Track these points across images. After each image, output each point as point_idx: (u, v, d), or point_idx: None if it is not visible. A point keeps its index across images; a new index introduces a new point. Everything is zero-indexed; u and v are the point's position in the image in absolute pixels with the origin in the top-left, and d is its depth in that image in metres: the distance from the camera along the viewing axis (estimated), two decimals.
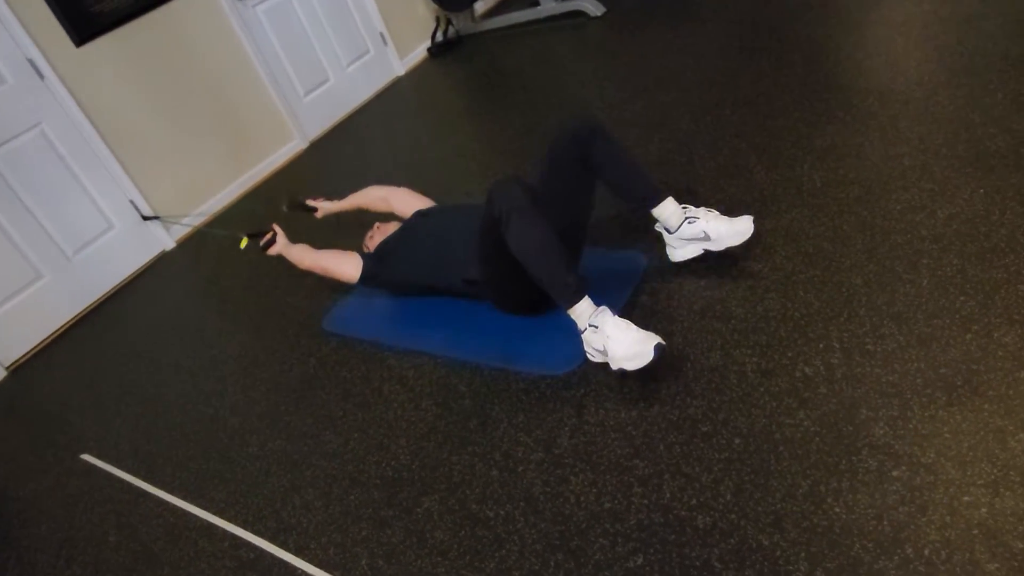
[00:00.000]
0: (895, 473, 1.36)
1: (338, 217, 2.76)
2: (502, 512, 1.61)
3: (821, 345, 1.68)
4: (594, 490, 1.57)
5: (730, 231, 1.92)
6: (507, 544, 1.54)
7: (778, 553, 1.31)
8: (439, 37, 5.17)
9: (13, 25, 3.30)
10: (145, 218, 3.77)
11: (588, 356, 1.84)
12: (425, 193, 2.59)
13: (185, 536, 1.93)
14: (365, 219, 2.72)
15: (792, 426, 1.52)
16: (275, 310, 2.81)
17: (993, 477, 1.29)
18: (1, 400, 3.10)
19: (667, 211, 1.96)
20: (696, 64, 3.31)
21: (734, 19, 3.61)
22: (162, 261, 3.81)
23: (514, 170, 3.08)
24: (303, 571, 1.68)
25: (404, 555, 1.61)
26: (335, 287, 2.66)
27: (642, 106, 3.13)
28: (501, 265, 1.85)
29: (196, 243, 3.86)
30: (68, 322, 3.50)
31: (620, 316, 1.76)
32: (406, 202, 2.49)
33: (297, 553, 1.73)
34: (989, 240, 1.77)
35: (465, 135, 3.70)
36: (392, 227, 2.46)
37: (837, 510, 1.34)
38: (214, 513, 1.97)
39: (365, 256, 2.38)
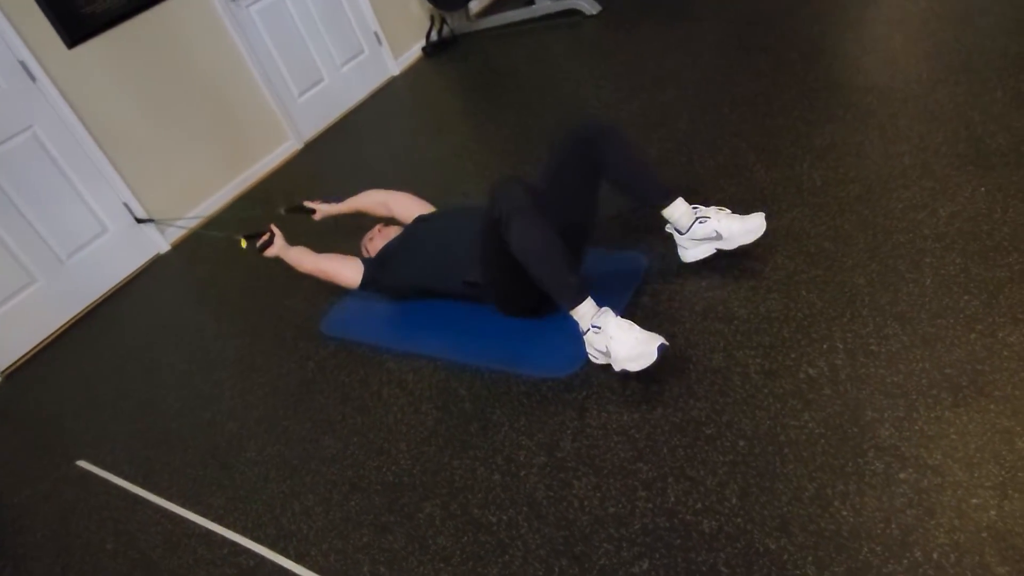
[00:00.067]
0: (902, 475, 1.35)
1: (336, 220, 2.74)
2: (505, 517, 1.59)
3: (825, 346, 1.67)
4: (598, 494, 1.55)
5: (742, 229, 1.90)
6: (510, 550, 1.52)
7: (785, 557, 1.30)
8: (434, 36, 5.15)
9: (4, 27, 3.27)
10: (139, 220, 3.74)
11: (591, 358, 1.83)
12: (422, 194, 2.57)
13: (184, 543, 1.91)
14: (364, 222, 2.70)
15: (797, 428, 1.51)
16: (272, 313, 2.78)
17: (1001, 479, 1.28)
18: None
19: (678, 212, 1.95)
20: (693, 63, 3.30)
21: (731, 17, 3.60)
22: (157, 264, 3.78)
23: (511, 170, 3.06)
24: None
25: (406, 561, 1.59)
26: (333, 289, 2.64)
27: (640, 105, 3.12)
28: (502, 266, 1.84)
29: (191, 246, 3.83)
30: (62, 326, 3.47)
31: (622, 317, 1.75)
32: (407, 207, 2.47)
33: (298, 560, 1.71)
34: (992, 239, 1.76)
35: (461, 135, 3.68)
36: (393, 231, 2.44)
37: (844, 513, 1.33)
38: (213, 520, 1.95)
39: (366, 261, 2.36)
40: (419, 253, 2.21)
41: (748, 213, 1.95)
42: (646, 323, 1.86)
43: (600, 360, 1.79)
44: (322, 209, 2.64)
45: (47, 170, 3.43)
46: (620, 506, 1.51)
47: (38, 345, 3.39)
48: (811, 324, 1.74)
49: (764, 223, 1.90)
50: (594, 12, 4.43)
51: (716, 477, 1.48)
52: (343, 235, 2.95)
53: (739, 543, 1.35)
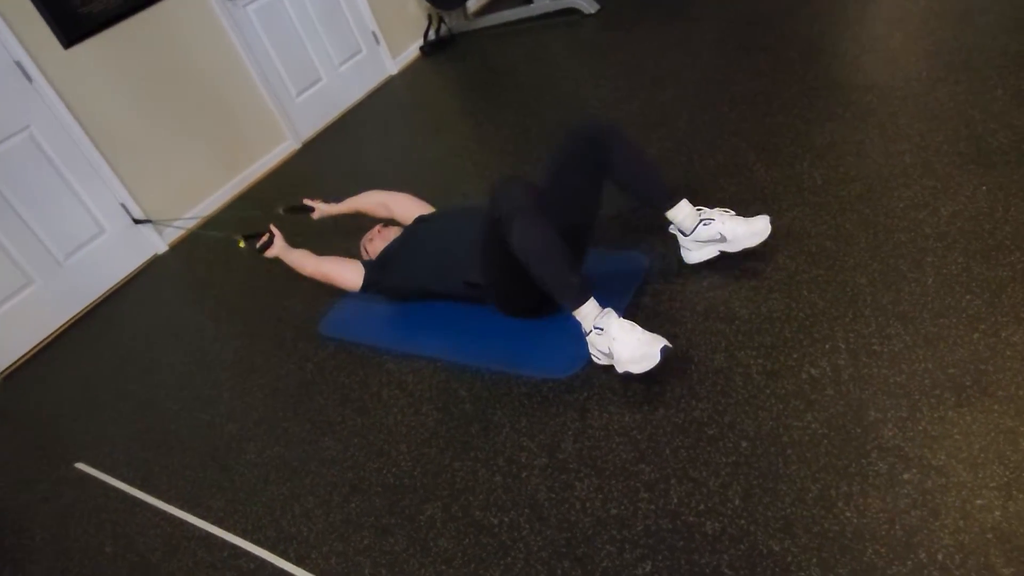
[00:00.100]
0: (906, 476, 1.34)
1: (335, 220, 2.73)
2: (506, 519, 1.59)
3: (827, 346, 1.66)
4: (600, 496, 1.55)
5: (747, 232, 1.90)
6: (512, 552, 1.51)
7: (789, 559, 1.29)
8: (431, 36, 5.13)
9: (0, 27, 3.25)
10: (136, 221, 3.73)
11: (593, 359, 1.82)
12: (421, 194, 2.56)
13: (183, 546, 1.90)
14: (363, 222, 2.69)
15: (800, 428, 1.51)
16: (270, 314, 2.77)
17: (1005, 480, 1.27)
18: None
19: (682, 213, 1.94)
20: (692, 62, 3.29)
21: (730, 16, 3.59)
22: (155, 265, 3.77)
23: (510, 169, 3.05)
24: None
25: (408, 564, 1.59)
26: (331, 290, 2.63)
27: (638, 105, 3.11)
28: (503, 267, 1.83)
29: (189, 246, 3.82)
30: (60, 328, 3.46)
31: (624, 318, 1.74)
32: (406, 207, 2.46)
33: (298, 563, 1.70)
34: (994, 237, 1.75)
35: (459, 134, 3.67)
36: (393, 232, 2.42)
37: (848, 514, 1.32)
38: (212, 522, 1.94)
39: (366, 263, 2.35)
40: (419, 254, 2.20)
41: (750, 213, 1.94)
42: (647, 323, 1.86)
43: (603, 361, 1.79)
44: (321, 208, 2.63)
45: (44, 171, 3.41)
46: (622, 508, 1.50)
47: (36, 347, 3.38)
48: (813, 324, 1.73)
49: (769, 226, 1.89)
50: (592, 11, 4.42)
51: (719, 478, 1.48)
52: (343, 235, 2.94)
53: (743, 545, 1.34)
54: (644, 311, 1.97)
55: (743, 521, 1.38)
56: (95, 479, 2.31)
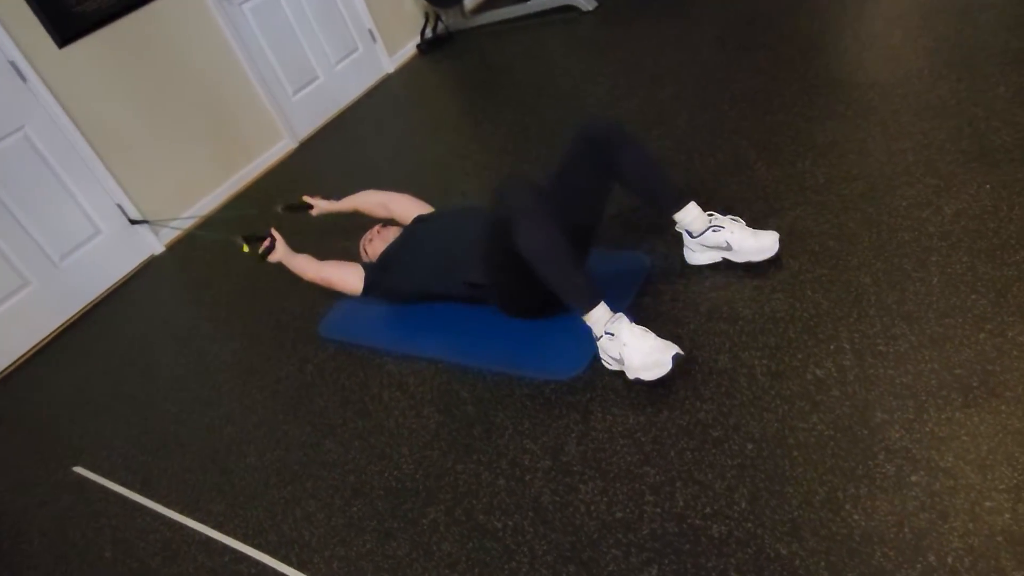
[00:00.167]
0: (914, 478, 1.33)
1: (335, 218, 2.71)
2: (510, 523, 1.57)
3: (832, 346, 1.65)
4: (604, 499, 1.53)
5: (754, 247, 1.89)
6: (517, 556, 1.50)
7: (797, 563, 1.28)
8: (428, 34, 5.11)
9: None
10: (133, 222, 3.70)
11: (604, 363, 1.80)
12: (421, 193, 2.54)
13: (183, 551, 1.88)
14: (363, 222, 2.67)
15: (806, 430, 1.50)
16: (269, 315, 2.75)
17: (1015, 482, 1.26)
18: None
19: (690, 216, 1.93)
20: (691, 59, 3.28)
21: (728, 13, 3.57)
22: (151, 266, 3.75)
23: (509, 169, 3.04)
24: None
25: (411, 568, 1.57)
26: (331, 291, 2.61)
27: (638, 103, 3.09)
28: (507, 266, 1.81)
29: (186, 247, 3.79)
30: (56, 330, 3.43)
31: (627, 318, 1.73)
32: (406, 207, 2.44)
33: (300, 568, 1.69)
34: (998, 236, 1.74)
35: (457, 133, 3.65)
36: (392, 233, 2.41)
37: (856, 517, 1.31)
38: (212, 527, 1.92)
39: (366, 266, 2.33)
40: (420, 255, 2.19)
41: (753, 213, 1.93)
42: (650, 324, 1.85)
43: (614, 366, 1.77)
44: (320, 205, 2.61)
45: (39, 171, 3.38)
46: (627, 511, 1.49)
47: (32, 349, 3.36)
48: (817, 324, 1.72)
49: (777, 244, 1.88)
50: (590, 8, 4.40)
51: (725, 481, 1.47)
52: (341, 234, 2.93)
53: (749, 548, 1.33)
54: (646, 311, 1.96)
55: (750, 524, 1.37)
56: (93, 483, 2.30)
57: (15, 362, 3.30)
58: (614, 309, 1.73)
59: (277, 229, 2.44)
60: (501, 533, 1.56)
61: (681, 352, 1.63)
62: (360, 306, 2.49)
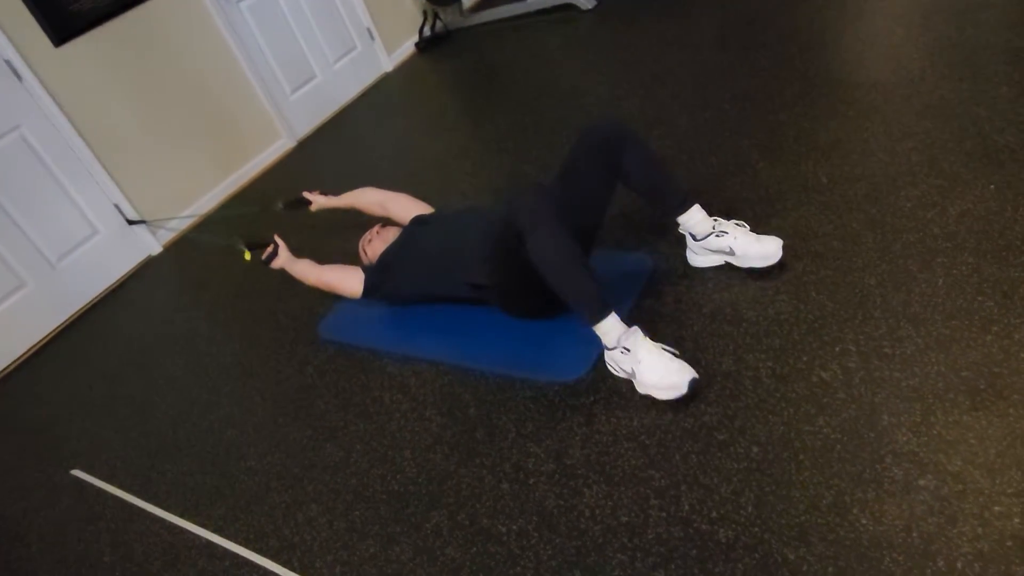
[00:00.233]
0: (921, 482, 1.32)
1: (334, 215, 2.69)
2: (515, 527, 1.56)
3: (837, 348, 1.64)
4: (609, 503, 1.52)
5: (758, 253, 1.88)
6: (521, 561, 1.49)
7: (805, 568, 1.27)
8: (427, 32, 5.09)
9: None
10: (130, 222, 3.68)
11: (610, 369, 1.79)
12: (419, 193, 2.53)
13: (183, 555, 1.87)
14: (362, 220, 2.66)
15: (812, 433, 1.49)
16: (268, 317, 2.74)
17: None
18: None
19: (694, 219, 1.92)
20: (691, 58, 3.26)
21: (728, 11, 3.56)
22: (149, 266, 3.72)
23: (508, 168, 3.02)
24: None
25: (414, 573, 1.56)
26: (331, 293, 2.59)
27: (638, 103, 3.08)
28: (513, 269, 1.80)
29: (183, 247, 3.77)
30: (53, 331, 3.41)
31: (628, 323, 1.71)
32: (405, 207, 2.42)
33: (302, 572, 1.68)
34: (1004, 237, 1.73)
35: (456, 132, 3.63)
36: (392, 233, 2.39)
37: (864, 521, 1.30)
38: (213, 531, 1.90)
39: (366, 268, 2.31)
40: (421, 256, 2.17)
41: (756, 213, 1.92)
42: (652, 326, 1.85)
43: (621, 375, 1.76)
44: (318, 201, 2.60)
45: (35, 171, 3.36)
46: (633, 515, 1.48)
47: (29, 351, 3.33)
48: (822, 326, 1.71)
49: (780, 250, 1.87)
50: (590, 7, 4.38)
51: (731, 485, 1.46)
52: (340, 233, 2.91)
53: (757, 553, 1.32)
54: (648, 313, 1.95)
55: (757, 529, 1.36)
56: (92, 486, 2.28)
57: (11, 364, 3.28)
58: (616, 311, 1.72)
59: (276, 228, 2.42)
60: (505, 538, 1.55)
61: (697, 376, 1.62)
62: (360, 307, 2.47)
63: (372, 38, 4.85)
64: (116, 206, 3.63)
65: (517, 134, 3.29)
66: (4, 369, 3.25)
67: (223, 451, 2.16)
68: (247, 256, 2.38)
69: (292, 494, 1.90)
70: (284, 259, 2.38)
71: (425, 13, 5.10)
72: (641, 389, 1.68)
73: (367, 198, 2.55)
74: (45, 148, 3.38)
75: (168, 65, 3.83)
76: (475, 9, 5.26)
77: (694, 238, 1.95)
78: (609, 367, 1.78)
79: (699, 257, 2.00)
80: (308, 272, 2.38)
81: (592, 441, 1.67)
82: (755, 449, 1.50)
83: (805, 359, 1.65)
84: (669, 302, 1.96)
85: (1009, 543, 1.19)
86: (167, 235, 3.85)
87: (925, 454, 1.36)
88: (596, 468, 1.61)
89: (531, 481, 1.65)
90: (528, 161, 3.02)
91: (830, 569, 1.25)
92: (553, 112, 3.35)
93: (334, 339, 2.42)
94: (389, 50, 4.96)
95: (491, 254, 1.88)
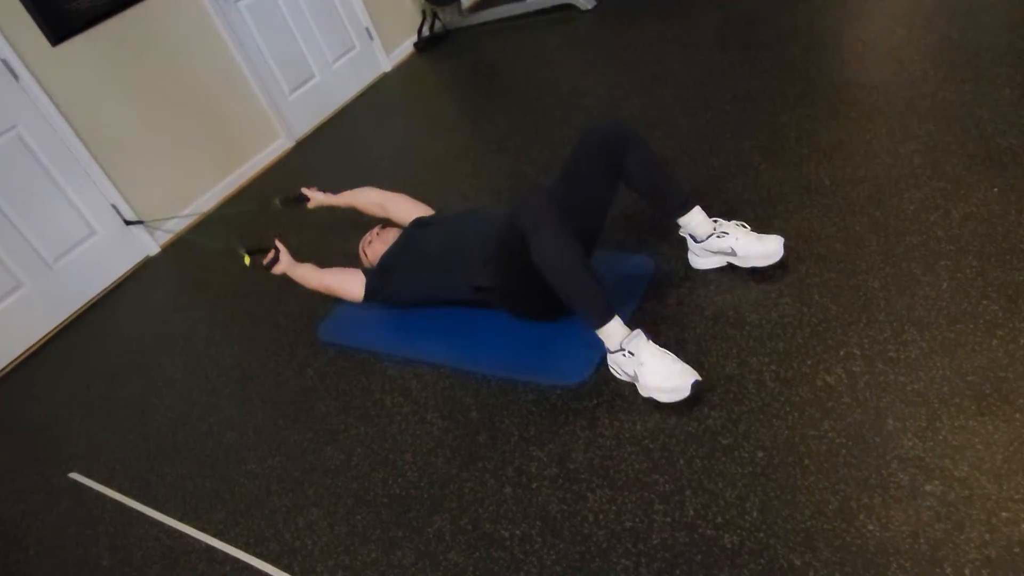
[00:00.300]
0: (928, 488, 1.32)
1: (332, 214, 2.67)
2: (518, 532, 1.55)
3: (841, 352, 1.63)
4: (613, 508, 1.51)
5: (759, 252, 1.87)
6: (525, 566, 1.48)
7: (811, 574, 1.26)
8: (425, 32, 5.07)
9: None
10: (128, 223, 3.66)
11: (613, 373, 1.78)
12: (419, 193, 2.51)
13: (183, 560, 1.86)
14: (361, 220, 2.64)
15: (817, 438, 1.48)
16: (267, 318, 2.72)
17: None
18: None
19: (695, 221, 1.91)
20: (692, 58, 3.26)
21: (729, 11, 3.56)
22: (147, 267, 3.70)
23: (508, 168, 3.01)
24: None
25: None
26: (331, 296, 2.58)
27: (638, 103, 3.07)
28: (519, 274, 1.78)
29: (182, 248, 3.75)
30: (50, 332, 3.39)
31: (631, 326, 1.70)
32: (405, 209, 2.41)
33: None
34: (1008, 241, 1.73)
35: (455, 132, 3.62)
36: (392, 234, 2.38)
37: (870, 527, 1.29)
38: (213, 535, 1.89)
39: (367, 272, 2.30)
40: (422, 259, 2.16)
41: (758, 215, 1.91)
42: (654, 329, 1.84)
43: (624, 378, 1.75)
44: (316, 198, 2.58)
45: (32, 171, 3.34)
46: (637, 520, 1.47)
47: (26, 352, 3.31)
48: (826, 329, 1.70)
49: (782, 249, 1.86)
50: (589, 7, 4.37)
51: (735, 489, 1.45)
52: (338, 233, 2.90)
53: (762, 559, 1.32)
54: (650, 315, 1.94)
55: (762, 534, 1.35)
56: (90, 489, 2.26)
57: (8, 365, 3.25)
58: (619, 313, 1.71)
59: (275, 227, 2.41)
60: (508, 542, 1.54)
61: (700, 379, 1.61)
62: (360, 309, 2.45)
63: (371, 38, 4.83)
64: (114, 206, 3.61)
65: (517, 134, 3.27)
66: (1, 370, 3.23)
67: (223, 454, 2.15)
68: (247, 261, 2.37)
69: (293, 498, 1.89)
70: (285, 264, 2.36)
71: (424, 13, 5.08)
72: (644, 392, 1.68)
73: (366, 198, 2.54)
74: (42, 148, 3.36)
75: (166, 65, 3.81)
76: (474, 9, 5.24)
77: (695, 240, 1.95)
78: (612, 370, 1.77)
79: (701, 259, 1.99)
80: (310, 276, 2.37)
81: (595, 445, 1.66)
82: (760, 454, 1.49)
83: (809, 363, 1.64)
84: (671, 304, 1.96)
85: (1017, 549, 1.18)
86: (165, 236, 3.83)
87: (931, 459, 1.36)
88: (600, 472, 1.60)
89: (534, 485, 1.64)
90: (528, 161, 3.00)
91: (836, 575, 1.25)
92: (553, 112, 3.34)
93: (334, 341, 2.40)
94: (388, 50, 4.94)
95: (493, 255, 1.87)
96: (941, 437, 1.39)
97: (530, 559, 1.49)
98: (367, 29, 4.79)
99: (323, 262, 2.46)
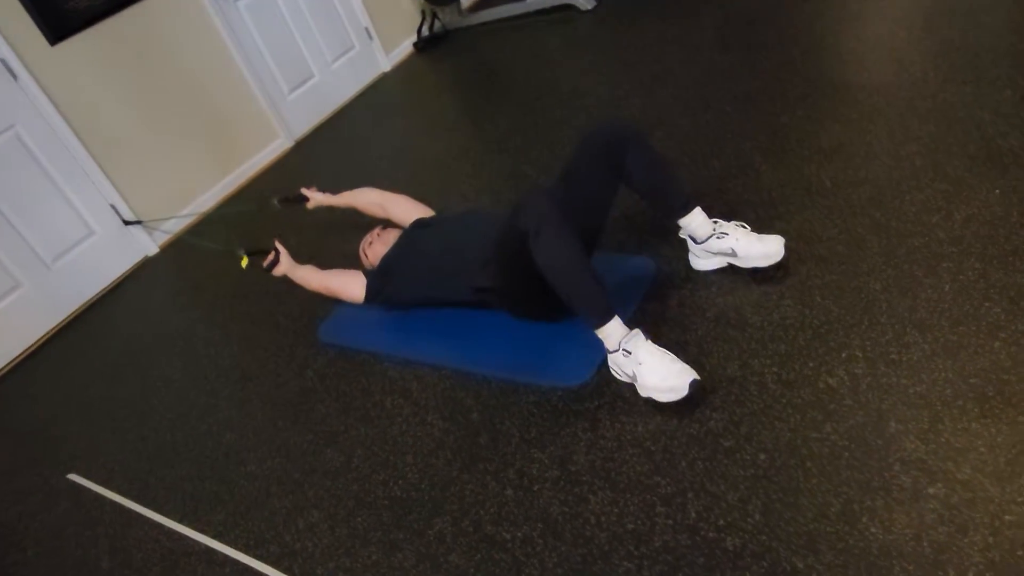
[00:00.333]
0: (931, 490, 1.31)
1: (332, 215, 2.66)
2: (519, 534, 1.55)
3: (843, 354, 1.63)
4: (615, 510, 1.51)
5: (760, 252, 1.86)
6: (526, 568, 1.48)
7: None
8: (425, 32, 5.06)
9: None
10: (127, 223, 3.65)
11: (614, 374, 1.78)
12: (418, 193, 2.51)
13: (183, 562, 1.85)
14: (361, 221, 2.64)
15: (819, 440, 1.48)
16: (267, 319, 2.71)
17: None
18: None
19: (695, 222, 1.91)
20: (692, 59, 3.25)
21: (729, 12, 3.55)
22: (146, 267, 3.70)
23: (508, 168, 3.00)
24: None
25: None
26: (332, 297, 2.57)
27: (638, 104, 3.07)
28: (520, 275, 1.78)
29: (180, 248, 3.75)
30: (49, 333, 3.38)
31: (631, 327, 1.70)
32: (405, 209, 2.41)
33: None
34: (1010, 242, 1.73)
35: (455, 132, 3.61)
36: (392, 235, 2.37)
37: (873, 530, 1.29)
38: (212, 537, 1.88)
39: (368, 273, 2.29)
40: (422, 260, 2.15)
41: (759, 216, 1.91)
42: (655, 330, 1.84)
43: (624, 379, 1.74)
44: (315, 198, 2.58)
45: (30, 171, 3.33)
46: (639, 522, 1.47)
47: (24, 352, 3.30)
48: (828, 331, 1.70)
49: (782, 249, 1.86)
50: (589, 7, 4.37)
51: (737, 492, 1.44)
52: (338, 233, 2.89)
53: (765, 561, 1.31)
54: (652, 317, 1.93)
55: (764, 537, 1.35)
56: (89, 491, 2.25)
57: (7, 365, 3.25)
58: (619, 315, 1.70)
59: (274, 227, 2.40)
60: (510, 545, 1.53)
61: (698, 378, 1.61)
62: (360, 310, 2.45)
63: (370, 38, 4.82)
64: (112, 206, 3.60)
65: (517, 134, 3.27)
66: None
67: (222, 455, 2.14)
68: (244, 263, 2.36)
69: (293, 499, 1.88)
70: (286, 266, 2.36)
71: (423, 13, 5.07)
72: (643, 392, 1.67)
73: (366, 198, 2.54)
74: (40, 148, 3.35)
75: (165, 64, 3.80)
76: (474, 9, 5.24)
77: (695, 241, 1.94)
78: (612, 371, 1.77)
79: (701, 260, 1.99)
80: (310, 278, 2.36)
81: (597, 447, 1.66)
82: (762, 456, 1.49)
83: (811, 365, 1.64)
84: (673, 306, 1.95)
85: (1020, 552, 1.18)
86: (164, 236, 3.82)
87: (934, 462, 1.35)
88: (601, 474, 1.59)
89: (535, 487, 1.63)
90: (528, 162, 3.00)
91: None
92: (553, 112, 3.33)
93: (334, 342, 2.40)
94: (387, 50, 4.93)
95: (494, 256, 1.86)
96: (944, 439, 1.39)
97: (531, 561, 1.48)
98: (366, 29, 4.79)
99: (323, 263, 2.46)
